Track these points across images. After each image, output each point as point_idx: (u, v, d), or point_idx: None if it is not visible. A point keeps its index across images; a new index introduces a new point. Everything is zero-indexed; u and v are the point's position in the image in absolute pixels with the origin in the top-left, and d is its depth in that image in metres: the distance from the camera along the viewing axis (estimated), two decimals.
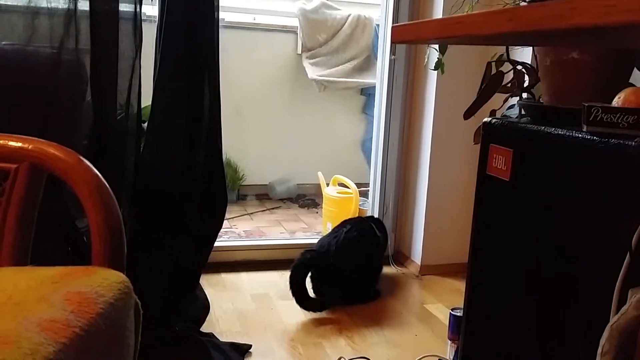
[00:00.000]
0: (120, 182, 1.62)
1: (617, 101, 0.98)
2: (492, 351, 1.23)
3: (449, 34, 0.77)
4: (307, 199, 3.60)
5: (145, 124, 1.69)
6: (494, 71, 1.38)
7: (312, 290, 1.99)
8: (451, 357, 1.60)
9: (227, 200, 1.83)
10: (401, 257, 2.50)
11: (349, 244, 2.03)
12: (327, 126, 3.62)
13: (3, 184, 0.90)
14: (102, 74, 1.55)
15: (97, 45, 1.53)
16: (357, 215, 2.56)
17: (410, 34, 0.92)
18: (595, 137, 0.93)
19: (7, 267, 0.89)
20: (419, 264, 2.37)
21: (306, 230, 3.05)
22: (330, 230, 2.18)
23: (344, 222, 2.16)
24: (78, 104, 1.59)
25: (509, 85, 1.36)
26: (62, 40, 1.52)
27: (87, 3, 1.51)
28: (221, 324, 1.82)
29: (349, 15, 3.48)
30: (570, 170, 0.99)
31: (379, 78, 2.46)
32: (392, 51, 2.36)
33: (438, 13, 2.20)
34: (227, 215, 1.88)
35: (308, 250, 2.02)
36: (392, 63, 2.37)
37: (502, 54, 1.38)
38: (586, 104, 0.93)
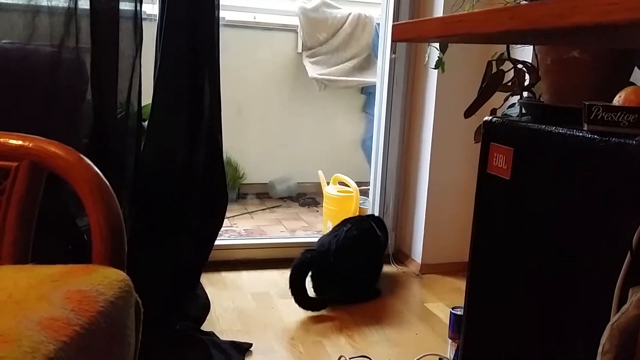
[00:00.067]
0: (121, 181, 1.62)
1: (617, 100, 0.98)
2: (493, 350, 1.23)
3: (450, 32, 0.77)
4: (307, 197, 3.60)
5: (146, 123, 1.69)
6: (494, 70, 1.38)
7: (312, 290, 1.99)
8: (451, 356, 1.60)
9: (228, 199, 1.83)
10: (402, 256, 2.50)
11: (349, 243, 2.03)
12: (327, 125, 3.62)
13: (3, 182, 0.90)
14: (102, 72, 1.55)
15: (97, 43, 1.53)
16: (357, 214, 2.56)
17: (410, 33, 0.92)
18: (595, 136, 0.93)
19: (7, 265, 0.89)
20: (420, 262, 2.37)
21: (306, 229, 3.05)
22: (330, 229, 2.18)
23: (345, 221, 2.16)
24: (78, 103, 1.59)
25: (510, 84, 1.36)
26: (62, 39, 1.52)
27: (88, 2, 1.51)
28: (222, 322, 1.83)
29: (349, 14, 3.48)
30: (570, 169, 0.99)
31: (380, 77, 2.46)
32: (393, 50, 2.36)
33: (439, 12, 2.20)
34: (227, 214, 1.88)
35: (308, 249, 2.02)
36: (392, 62, 2.37)
37: (503, 53, 1.38)
38: (587, 103, 0.93)
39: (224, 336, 1.71)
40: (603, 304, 0.86)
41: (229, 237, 2.74)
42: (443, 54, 1.80)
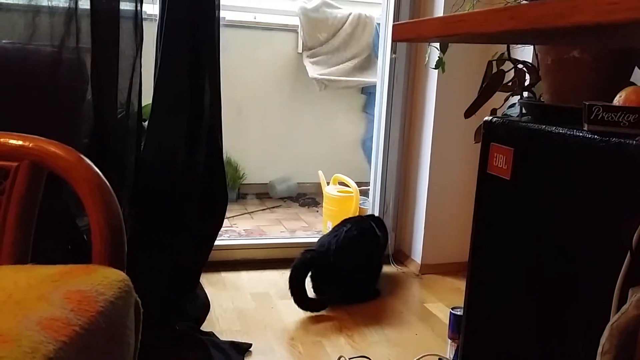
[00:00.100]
0: (121, 181, 1.62)
1: (618, 100, 0.98)
2: (493, 350, 1.23)
3: (450, 32, 0.77)
4: (307, 197, 3.60)
5: (146, 123, 1.69)
6: (494, 70, 1.38)
7: (312, 290, 1.99)
8: (451, 356, 1.60)
9: (228, 199, 1.83)
10: (401, 256, 2.50)
11: (349, 243, 2.03)
12: (327, 125, 3.62)
13: (3, 182, 0.90)
14: (102, 72, 1.55)
15: (97, 43, 1.53)
16: (357, 214, 2.56)
17: (411, 32, 0.92)
18: (596, 136, 0.93)
19: (7, 265, 0.89)
20: (419, 263, 2.36)
21: (306, 229, 3.05)
22: (330, 229, 2.18)
23: (344, 221, 2.16)
24: (79, 103, 1.59)
25: (510, 84, 1.36)
26: (62, 39, 1.52)
27: (88, 2, 1.51)
28: (221, 322, 1.82)
29: (349, 14, 3.48)
30: (571, 169, 0.99)
31: (380, 77, 2.46)
32: (393, 50, 2.36)
33: (439, 12, 2.20)
34: (227, 214, 1.88)
35: (308, 249, 2.02)
36: (392, 62, 2.37)
37: (503, 53, 1.38)
38: (587, 103, 0.93)
39: (224, 336, 1.70)
40: (603, 304, 0.86)
41: (228, 237, 2.74)
42: (443, 54, 1.80)
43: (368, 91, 3.54)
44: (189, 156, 1.72)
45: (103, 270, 0.82)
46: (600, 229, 0.93)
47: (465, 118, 1.35)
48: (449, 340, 1.62)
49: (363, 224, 2.17)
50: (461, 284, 1.73)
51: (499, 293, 1.20)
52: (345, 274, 2.01)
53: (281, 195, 3.58)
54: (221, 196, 1.80)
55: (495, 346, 1.22)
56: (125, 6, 1.56)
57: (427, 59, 2.16)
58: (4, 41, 1.54)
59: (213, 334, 1.70)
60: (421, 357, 1.63)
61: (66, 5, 1.52)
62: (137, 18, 1.58)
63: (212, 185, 1.77)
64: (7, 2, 1.55)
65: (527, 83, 1.33)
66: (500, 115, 1.26)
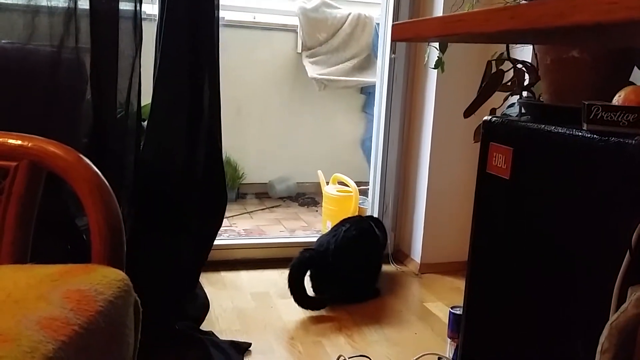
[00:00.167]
0: (120, 180, 1.62)
1: (617, 100, 0.98)
2: (492, 349, 1.24)
3: (450, 31, 0.77)
4: (306, 197, 3.60)
5: (145, 123, 1.69)
6: (494, 70, 1.38)
7: (311, 289, 1.99)
8: (451, 356, 1.60)
9: (227, 199, 1.83)
10: (401, 256, 2.50)
11: (348, 243, 2.03)
12: (327, 125, 3.62)
13: (3, 181, 0.90)
14: (102, 72, 1.55)
15: (97, 43, 1.53)
16: (357, 213, 2.56)
17: (410, 32, 0.92)
18: (595, 136, 0.93)
19: (6, 265, 0.89)
20: (419, 262, 2.37)
21: (306, 229, 3.05)
22: (329, 229, 2.18)
23: (344, 221, 2.16)
24: (78, 103, 1.59)
25: (509, 83, 1.36)
26: (62, 39, 1.52)
27: (87, 2, 1.51)
28: (221, 322, 1.82)
29: (349, 14, 3.48)
30: (570, 168, 0.99)
31: (379, 77, 2.46)
32: (392, 50, 2.36)
33: (438, 11, 2.20)
34: (226, 214, 1.88)
35: (307, 249, 2.02)
36: (392, 62, 2.37)
37: (503, 53, 1.38)
38: (586, 103, 0.93)
39: (223, 336, 1.70)
40: (602, 303, 0.86)
41: (228, 236, 2.74)
42: (443, 54, 1.80)
43: (367, 91, 3.54)
44: (189, 156, 1.72)
45: (102, 269, 0.82)
46: (599, 228, 0.94)
47: (465, 118, 1.36)
48: (449, 340, 1.63)
49: (362, 223, 2.17)
50: (460, 283, 1.73)
51: (498, 292, 1.21)
52: (344, 274, 2.01)
53: (280, 195, 3.58)
54: (220, 196, 1.80)
55: (495, 345, 1.23)
56: (125, 6, 1.56)
57: (426, 58, 2.16)
58: (3, 41, 1.54)
59: (213, 333, 1.70)
60: (421, 357, 1.63)
61: (65, 5, 1.52)
62: (137, 18, 1.58)
63: (211, 185, 1.77)
64: (6, 2, 1.55)
65: (526, 83, 1.33)
66: (499, 115, 1.27)
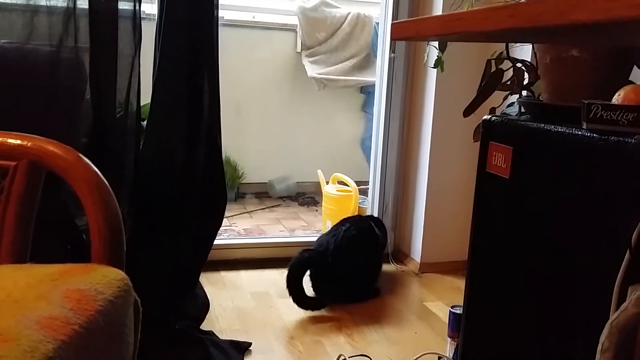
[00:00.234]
0: (120, 180, 1.61)
1: (616, 98, 0.98)
2: (492, 349, 1.24)
3: (449, 30, 0.77)
4: (306, 197, 3.59)
5: (145, 122, 1.68)
6: (493, 69, 1.38)
7: (311, 289, 1.99)
8: (451, 355, 1.60)
9: (227, 199, 1.83)
10: (401, 255, 2.50)
11: (347, 242, 2.03)
12: (326, 124, 3.62)
13: (2, 181, 0.90)
14: (101, 72, 1.55)
15: (96, 43, 1.53)
16: (356, 213, 2.56)
17: (410, 31, 0.92)
18: (595, 135, 0.93)
19: (6, 264, 0.89)
20: (419, 261, 2.37)
21: (306, 229, 3.05)
22: (329, 229, 2.18)
23: (343, 221, 2.16)
24: (77, 102, 1.59)
25: (509, 82, 1.36)
26: (61, 39, 1.52)
27: (86, 1, 1.51)
28: (221, 322, 1.82)
29: (348, 14, 3.48)
30: (570, 167, 0.99)
31: (379, 76, 2.46)
32: (392, 49, 2.36)
33: (438, 10, 2.20)
34: (226, 214, 1.88)
35: (306, 249, 2.02)
36: (391, 61, 2.37)
37: (502, 52, 1.38)
38: (586, 102, 0.93)
39: (223, 335, 1.70)
40: (602, 302, 0.86)
41: (228, 236, 2.74)
42: (442, 53, 1.80)
43: (367, 90, 3.54)
44: (188, 156, 1.72)
45: (102, 269, 0.82)
46: (599, 227, 0.94)
47: (464, 117, 1.35)
48: (449, 339, 1.63)
49: (362, 223, 2.16)
50: (460, 283, 1.73)
51: (498, 291, 1.21)
52: (344, 274, 2.01)
53: (280, 194, 3.58)
54: (220, 196, 1.80)
55: (495, 344, 1.23)
56: (124, 6, 1.56)
57: (426, 58, 2.16)
58: (2, 41, 1.54)
59: (213, 333, 1.70)
60: (421, 356, 1.63)
61: (64, 4, 1.52)
62: (136, 17, 1.57)
63: (211, 185, 1.77)
64: (5, 1, 1.55)
65: (526, 82, 1.33)
66: (499, 114, 1.26)
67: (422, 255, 2.36)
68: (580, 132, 0.96)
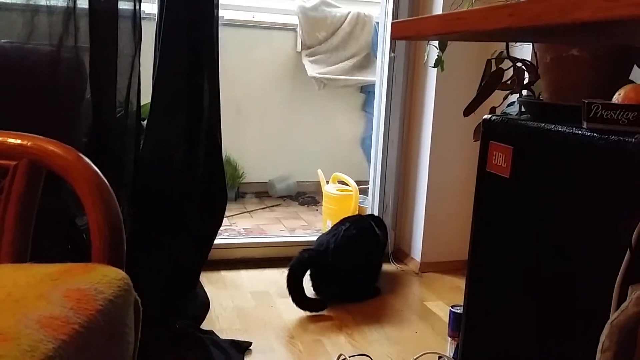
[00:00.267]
0: (120, 180, 1.61)
1: (617, 98, 0.98)
2: (492, 348, 1.24)
3: (450, 29, 0.77)
4: (306, 196, 3.59)
5: (145, 122, 1.68)
6: (493, 68, 1.38)
7: (311, 289, 1.99)
8: (451, 354, 1.60)
9: (227, 199, 1.83)
10: (401, 255, 2.50)
11: (347, 242, 2.03)
12: (326, 124, 3.62)
13: (2, 180, 0.90)
14: (101, 71, 1.55)
15: (96, 43, 1.53)
16: (357, 212, 2.56)
17: (410, 30, 0.92)
18: (595, 134, 0.93)
19: (6, 264, 0.89)
20: (419, 261, 2.37)
21: (306, 228, 3.05)
22: (329, 228, 2.18)
23: (344, 220, 2.16)
24: (77, 102, 1.59)
25: (509, 82, 1.36)
26: (61, 38, 1.52)
27: (87, 1, 1.51)
28: (221, 321, 1.82)
29: (348, 13, 3.48)
30: (570, 167, 0.99)
31: (379, 76, 2.46)
32: (392, 49, 2.36)
33: (438, 10, 2.20)
34: (226, 213, 1.88)
35: (306, 249, 2.02)
36: (391, 60, 2.37)
37: (502, 51, 1.38)
38: (586, 101, 0.93)
39: (224, 335, 1.71)
40: (602, 301, 0.86)
41: (228, 236, 2.74)
42: (442, 53, 1.80)
43: (367, 90, 3.54)
44: (188, 155, 1.71)
45: (102, 268, 0.82)
46: (599, 227, 0.93)
47: (465, 116, 1.35)
48: (449, 338, 1.63)
49: (362, 223, 2.16)
50: (461, 282, 1.73)
51: (498, 291, 1.21)
52: (344, 273, 2.01)
53: (280, 194, 3.58)
54: (220, 195, 1.80)
55: (495, 344, 1.22)
56: (124, 5, 1.56)
57: (426, 57, 2.16)
58: (2, 40, 1.54)
59: (213, 332, 1.70)
60: (421, 355, 1.63)
61: (64, 4, 1.51)
62: (136, 17, 1.57)
63: (211, 185, 1.76)
64: (5, 1, 1.55)
65: (526, 81, 1.33)
66: (499, 114, 1.26)
67: (423, 255, 2.36)
68: (580, 132, 0.96)
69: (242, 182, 3.51)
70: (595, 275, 0.94)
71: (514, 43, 1.46)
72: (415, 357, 1.62)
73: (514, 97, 1.37)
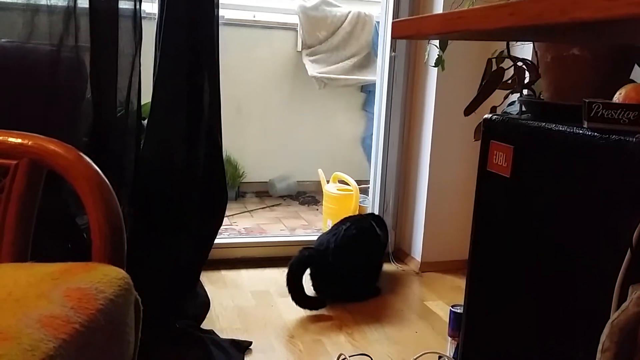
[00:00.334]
0: (120, 179, 1.61)
1: (617, 97, 0.98)
2: (492, 348, 1.24)
3: (450, 28, 0.77)
4: (307, 196, 3.60)
5: (145, 122, 1.68)
6: (494, 68, 1.38)
7: (312, 288, 1.99)
8: (451, 354, 1.60)
9: (227, 198, 1.83)
10: (401, 254, 2.50)
11: (348, 241, 2.02)
12: (327, 123, 3.62)
13: (3, 180, 0.90)
14: (101, 71, 1.55)
15: (96, 42, 1.53)
16: (357, 212, 2.56)
17: (411, 29, 0.92)
18: (595, 134, 0.92)
19: (7, 263, 0.89)
20: (419, 261, 2.37)
21: (306, 228, 3.05)
22: (330, 228, 2.18)
23: (344, 220, 2.16)
24: (78, 102, 1.59)
25: (510, 81, 1.36)
26: (61, 38, 1.52)
27: (87, 0, 1.51)
28: (221, 321, 1.83)
29: (349, 13, 3.48)
30: (570, 166, 0.99)
31: (379, 75, 2.46)
32: (392, 48, 2.36)
33: (438, 9, 2.20)
34: (227, 213, 1.88)
35: (306, 247, 2.02)
36: (392, 60, 2.37)
37: (503, 51, 1.37)
38: (587, 100, 0.93)
39: (224, 334, 1.71)
40: (603, 301, 0.86)
41: (228, 235, 2.74)
42: (443, 52, 1.80)
43: (367, 89, 3.54)
44: (189, 155, 1.71)
45: (103, 268, 0.82)
46: (600, 227, 0.93)
47: (465, 116, 1.35)
48: (449, 338, 1.62)
49: (362, 222, 2.16)
50: (461, 282, 1.73)
51: (499, 291, 1.20)
52: (344, 273, 2.01)
53: (281, 193, 3.58)
54: (221, 195, 1.80)
55: (495, 344, 1.22)
56: (124, 5, 1.56)
57: (426, 56, 2.16)
58: (2, 40, 1.54)
59: (213, 332, 1.70)
60: (421, 355, 1.63)
61: (65, 4, 1.51)
62: (136, 17, 1.57)
63: (211, 184, 1.76)
64: (5, 0, 1.55)
65: (526, 81, 1.33)
66: (500, 113, 1.26)
67: (423, 255, 2.36)
68: (581, 131, 0.96)
69: (243, 181, 3.51)
70: (595, 275, 0.94)
71: (514, 42, 1.46)
72: (415, 357, 1.62)
73: (515, 97, 1.37)
